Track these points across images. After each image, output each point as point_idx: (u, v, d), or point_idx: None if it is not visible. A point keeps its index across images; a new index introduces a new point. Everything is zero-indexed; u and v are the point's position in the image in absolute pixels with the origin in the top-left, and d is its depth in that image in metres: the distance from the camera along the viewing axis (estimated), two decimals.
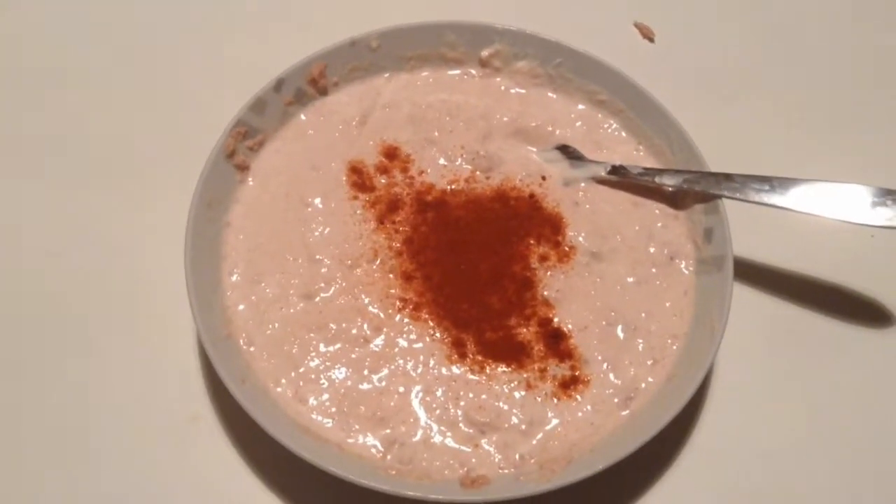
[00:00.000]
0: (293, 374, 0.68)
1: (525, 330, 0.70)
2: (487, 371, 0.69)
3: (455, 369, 0.69)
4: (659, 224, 0.76)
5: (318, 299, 0.71)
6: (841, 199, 0.71)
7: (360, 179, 0.78)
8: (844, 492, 0.70)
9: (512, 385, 0.68)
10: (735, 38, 0.97)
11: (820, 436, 0.72)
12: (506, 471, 0.65)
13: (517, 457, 0.65)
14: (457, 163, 0.79)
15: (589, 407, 0.68)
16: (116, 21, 0.94)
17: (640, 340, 0.70)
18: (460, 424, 0.66)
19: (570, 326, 0.71)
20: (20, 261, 0.78)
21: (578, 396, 0.68)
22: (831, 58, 0.96)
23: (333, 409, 0.67)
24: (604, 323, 0.71)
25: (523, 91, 0.83)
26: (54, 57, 0.92)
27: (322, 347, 0.69)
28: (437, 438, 0.66)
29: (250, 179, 0.77)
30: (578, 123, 0.82)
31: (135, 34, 0.93)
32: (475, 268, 0.73)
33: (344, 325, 0.70)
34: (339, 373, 0.68)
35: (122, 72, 0.90)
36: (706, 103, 0.89)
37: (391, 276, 0.73)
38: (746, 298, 0.77)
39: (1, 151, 0.85)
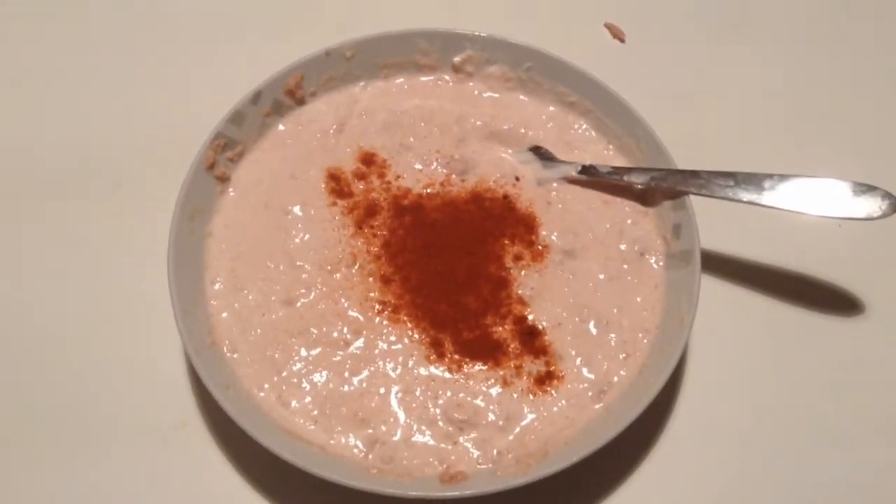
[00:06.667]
0: (276, 378, 0.70)
1: (501, 328, 0.72)
2: (465, 370, 0.70)
3: (433, 369, 0.70)
4: (629, 221, 0.78)
5: (299, 304, 0.73)
6: (804, 192, 0.72)
7: (338, 186, 0.79)
8: (817, 476, 0.72)
9: (489, 382, 0.70)
10: (703, 37, 0.98)
11: (791, 421, 0.74)
12: (484, 466, 0.66)
13: (495, 452, 0.67)
14: (432, 167, 0.81)
15: (564, 401, 0.69)
16: (93, 34, 0.96)
17: (613, 335, 0.72)
18: (439, 422, 0.68)
19: (544, 323, 0.72)
20: (1, 272, 0.79)
21: (553, 391, 0.70)
22: (796, 57, 0.97)
23: (316, 412, 0.68)
24: (577, 319, 0.73)
25: (496, 95, 0.85)
26: (32, 67, 0.93)
27: (304, 352, 0.71)
28: (417, 437, 0.67)
29: (231, 190, 0.78)
30: (550, 125, 0.83)
31: (112, 49, 0.94)
32: (452, 269, 0.75)
33: (325, 329, 0.72)
34: (321, 376, 0.70)
35: (100, 84, 0.91)
36: (675, 102, 0.90)
37: (370, 279, 0.74)
38: (716, 290, 0.79)
39: None
